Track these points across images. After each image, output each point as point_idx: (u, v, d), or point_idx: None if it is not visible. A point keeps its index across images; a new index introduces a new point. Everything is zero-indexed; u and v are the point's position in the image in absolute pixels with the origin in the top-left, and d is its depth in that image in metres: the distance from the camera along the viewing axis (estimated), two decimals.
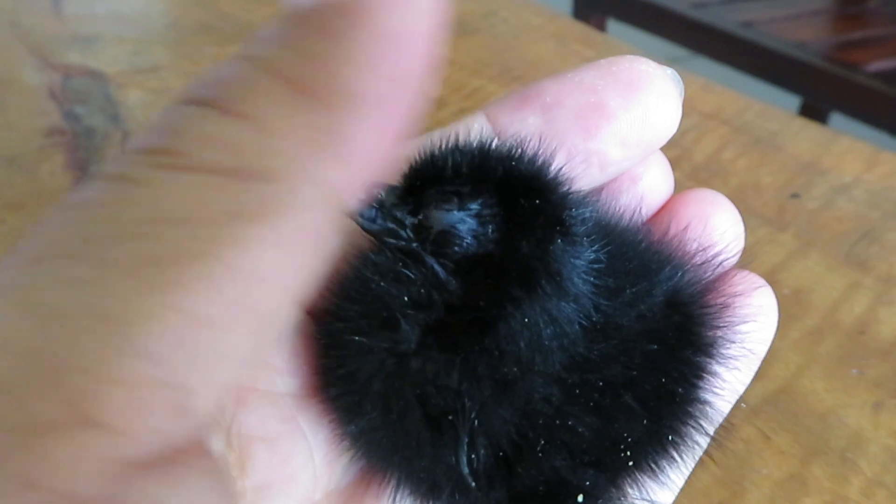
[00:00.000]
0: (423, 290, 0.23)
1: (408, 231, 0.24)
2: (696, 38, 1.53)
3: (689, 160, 0.67)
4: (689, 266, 0.27)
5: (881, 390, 0.46)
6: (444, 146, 0.24)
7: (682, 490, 0.41)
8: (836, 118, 1.51)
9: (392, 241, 0.24)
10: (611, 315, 0.25)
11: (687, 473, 0.29)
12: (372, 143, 0.16)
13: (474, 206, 0.24)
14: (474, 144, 0.25)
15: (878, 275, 0.55)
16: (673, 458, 0.26)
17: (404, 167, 0.24)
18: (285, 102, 0.16)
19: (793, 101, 1.49)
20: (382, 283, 0.24)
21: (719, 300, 0.27)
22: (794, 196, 0.63)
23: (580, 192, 0.25)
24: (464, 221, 0.24)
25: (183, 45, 0.85)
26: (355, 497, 0.27)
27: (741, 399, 0.30)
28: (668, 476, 0.27)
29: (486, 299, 0.23)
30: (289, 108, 0.16)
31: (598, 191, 0.29)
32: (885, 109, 1.32)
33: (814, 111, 1.47)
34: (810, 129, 0.73)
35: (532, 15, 0.96)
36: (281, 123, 0.16)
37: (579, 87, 0.26)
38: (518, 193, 0.24)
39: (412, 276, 0.24)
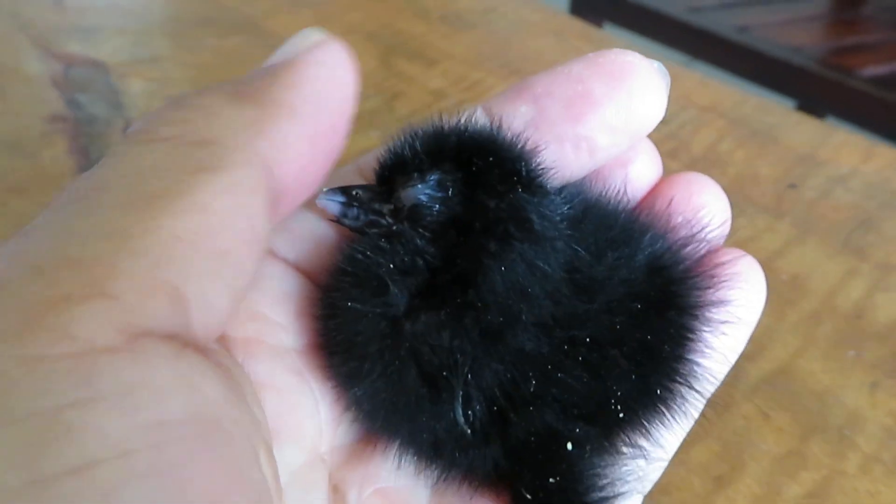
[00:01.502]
0: (406, 259, 0.25)
1: (387, 218, 0.26)
2: (692, 43, 1.54)
3: (687, 151, 0.67)
4: (670, 234, 0.28)
5: (878, 371, 0.47)
6: (402, 136, 0.27)
7: (682, 464, 0.41)
8: (831, 122, 1.51)
9: (375, 230, 0.26)
10: (594, 277, 0.26)
11: (681, 436, 0.29)
12: (289, 132, 0.23)
13: (434, 177, 0.26)
14: (429, 127, 0.27)
15: (876, 262, 0.55)
16: (663, 414, 0.26)
17: (375, 165, 0.27)
18: (228, 101, 0.22)
19: (788, 105, 1.49)
20: (369, 254, 0.26)
21: (702, 266, 0.28)
22: (792, 186, 0.63)
23: (539, 150, 0.27)
24: (426, 192, 0.26)
25: (183, 37, 0.86)
26: (361, 455, 0.27)
27: (736, 374, 0.30)
28: (661, 434, 0.27)
29: (464, 258, 0.25)
30: (230, 104, 0.22)
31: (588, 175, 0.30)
32: (880, 113, 1.33)
33: (809, 115, 1.47)
34: (807, 122, 0.73)
35: (530, 11, 0.97)
36: (224, 112, 0.22)
37: (568, 78, 0.28)
38: (472, 156, 0.26)
39: (396, 248, 0.25)
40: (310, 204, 0.27)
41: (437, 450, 0.26)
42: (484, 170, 0.25)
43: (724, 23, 1.51)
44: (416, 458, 0.27)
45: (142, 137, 0.21)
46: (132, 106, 0.71)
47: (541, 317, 0.25)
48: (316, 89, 0.23)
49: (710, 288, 0.27)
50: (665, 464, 0.29)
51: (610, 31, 1.61)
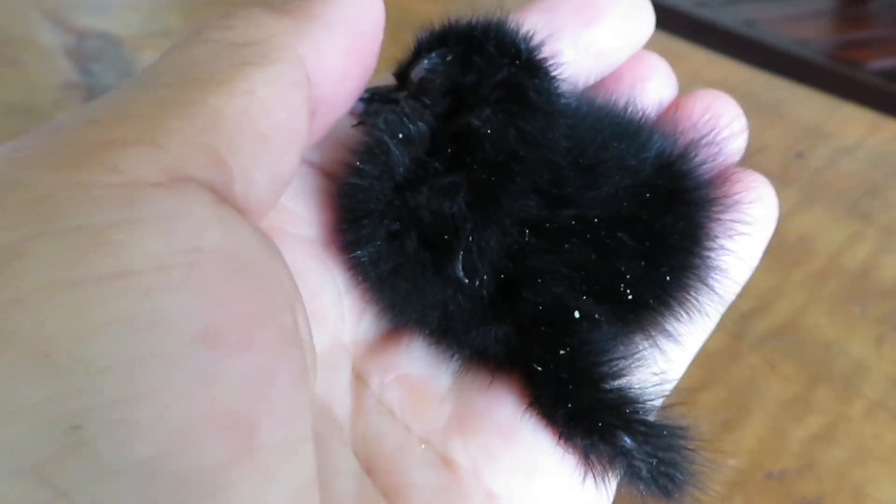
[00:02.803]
0: (410, 127, 0.26)
1: (403, 104, 0.28)
2: (698, 36, 1.54)
3: None
4: (681, 136, 0.29)
5: (884, 325, 0.47)
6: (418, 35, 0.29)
7: (689, 405, 0.42)
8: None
9: (394, 111, 0.27)
10: (601, 161, 0.26)
11: (699, 337, 0.29)
12: (325, 41, 0.24)
13: (435, 52, 0.27)
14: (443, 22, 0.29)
15: (881, 225, 0.56)
16: (676, 306, 0.27)
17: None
18: (269, 13, 0.24)
19: None
20: (377, 125, 0.27)
21: (712, 168, 0.29)
22: (799, 156, 0.64)
23: (542, 39, 0.28)
24: (428, 66, 0.27)
25: (195, 13, 0.87)
26: (383, 348, 0.28)
27: (743, 327, 0.30)
28: (676, 330, 0.27)
29: (459, 124, 0.26)
30: (271, 15, 0.24)
31: (604, 88, 0.31)
32: (887, 106, 1.33)
33: None
34: (814, 97, 0.74)
35: None
36: (265, 20, 0.23)
37: None
38: (474, 35, 0.27)
39: (401, 119, 0.27)
40: None
41: (447, 324, 0.26)
42: (485, 44, 0.27)
43: (732, 16, 1.52)
44: (428, 335, 0.27)
45: (191, 39, 0.23)
46: None
47: (537, 184, 0.25)
48: (349, 9, 0.25)
49: (720, 187, 0.28)
50: (685, 365, 0.29)
51: None
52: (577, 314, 0.25)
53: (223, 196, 0.20)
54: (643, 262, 0.26)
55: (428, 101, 0.27)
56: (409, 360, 0.27)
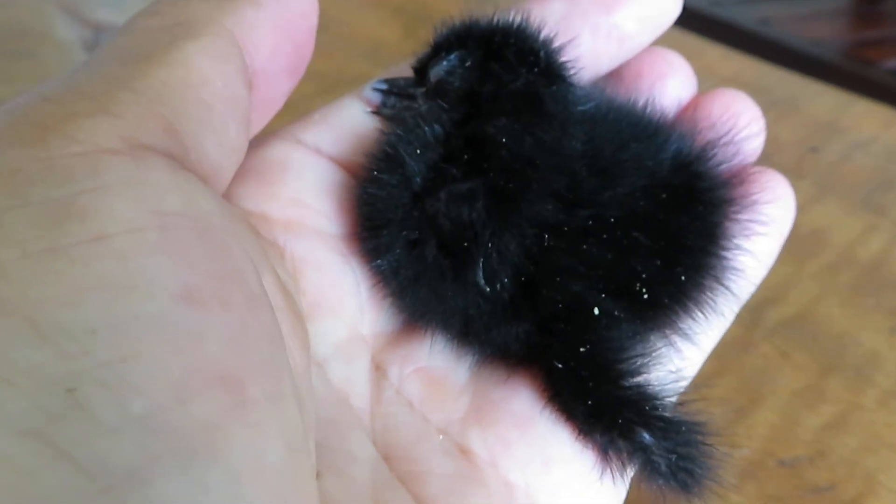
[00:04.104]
0: (426, 132, 0.27)
1: (419, 100, 0.28)
2: (713, 35, 1.54)
3: None
4: (699, 135, 0.29)
5: None
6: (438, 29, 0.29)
7: (701, 396, 0.42)
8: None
9: (409, 113, 0.28)
10: (617, 163, 0.27)
11: (714, 336, 0.30)
12: (252, 16, 0.25)
13: (454, 54, 0.28)
14: (463, 20, 0.29)
15: (895, 218, 0.56)
16: (691, 306, 0.27)
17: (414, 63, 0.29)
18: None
19: None
20: (395, 132, 0.27)
21: (730, 168, 0.29)
22: (813, 150, 0.64)
23: (562, 44, 0.29)
24: (447, 67, 0.28)
25: None
26: (403, 340, 0.28)
27: (755, 318, 0.31)
28: (691, 329, 0.28)
29: (476, 130, 0.26)
30: (198, 0, 0.24)
31: (621, 82, 0.31)
32: None
33: None
34: (829, 93, 0.74)
35: None
36: (192, 3, 0.24)
37: None
38: (495, 38, 0.28)
39: (418, 124, 0.27)
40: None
41: (468, 328, 0.27)
42: (504, 49, 0.27)
43: (746, 15, 1.51)
44: (449, 338, 0.27)
45: (123, 30, 0.24)
46: None
47: (554, 189, 0.26)
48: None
49: (738, 187, 0.28)
50: (699, 364, 0.30)
51: None
52: (596, 311, 0.26)
53: (181, 164, 0.20)
54: (659, 262, 0.26)
55: (445, 106, 0.27)
56: (427, 353, 0.28)
